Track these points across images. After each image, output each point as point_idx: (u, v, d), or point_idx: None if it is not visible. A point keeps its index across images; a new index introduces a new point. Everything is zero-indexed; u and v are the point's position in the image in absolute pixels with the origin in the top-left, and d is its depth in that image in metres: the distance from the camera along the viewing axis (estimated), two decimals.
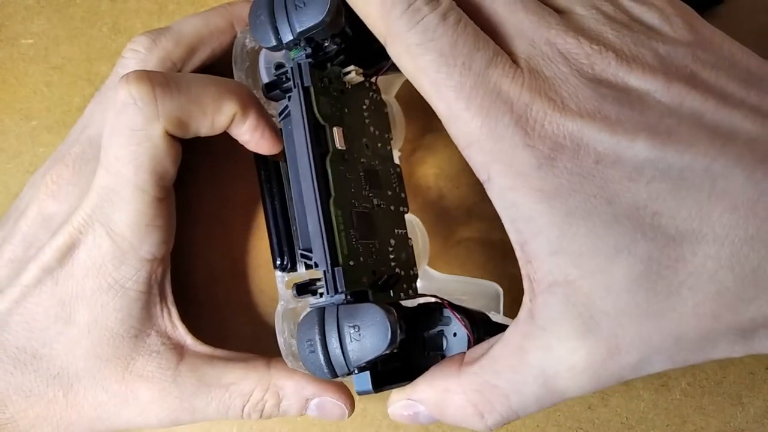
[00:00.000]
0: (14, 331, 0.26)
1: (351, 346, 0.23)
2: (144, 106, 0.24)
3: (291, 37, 0.24)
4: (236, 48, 0.29)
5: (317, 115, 0.25)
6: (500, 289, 0.31)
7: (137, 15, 0.34)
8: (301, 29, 0.24)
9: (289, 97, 0.25)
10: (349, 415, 0.29)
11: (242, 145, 0.27)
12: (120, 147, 0.25)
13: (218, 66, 0.29)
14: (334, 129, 0.25)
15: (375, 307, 0.22)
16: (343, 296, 0.23)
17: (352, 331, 0.23)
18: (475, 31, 0.21)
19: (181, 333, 0.28)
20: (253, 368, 0.28)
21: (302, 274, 0.28)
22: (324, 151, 0.25)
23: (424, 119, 0.33)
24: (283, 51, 0.28)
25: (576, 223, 0.20)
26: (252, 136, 0.27)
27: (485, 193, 0.34)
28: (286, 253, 0.28)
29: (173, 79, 0.25)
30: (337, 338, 0.23)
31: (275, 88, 0.26)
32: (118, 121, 0.25)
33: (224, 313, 0.32)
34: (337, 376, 0.23)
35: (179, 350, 0.28)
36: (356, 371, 0.24)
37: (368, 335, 0.22)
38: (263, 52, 0.28)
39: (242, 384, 0.28)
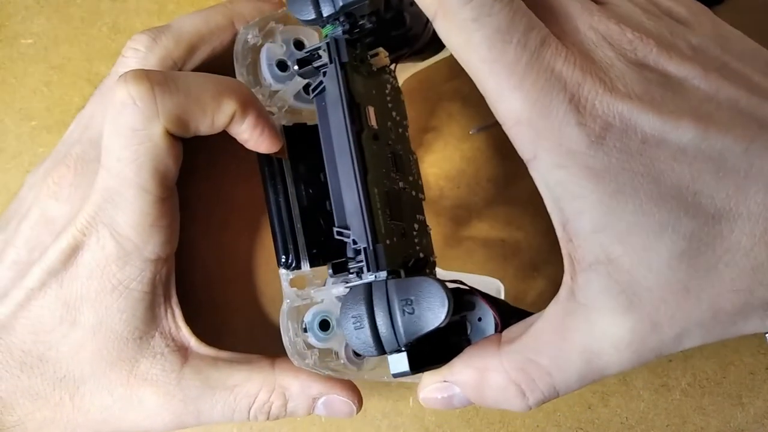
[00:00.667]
0: (20, 334, 0.26)
1: (403, 320, 0.22)
2: (143, 105, 0.24)
3: (333, 11, 0.24)
4: (238, 44, 0.29)
5: (351, 92, 0.25)
6: (501, 286, 0.31)
7: (137, 15, 0.34)
8: (345, 2, 0.24)
9: (324, 73, 0.25)
10: (358, 411, 0.29)
11: (241, 144, 0.27)
12: (121, 148, 0.25)
13: (219, 64, 0.29)
14: (369, 107, 0.25)
15: (429, 280, 0.22)
16: (386, 273, 0.23)
17: (404, 305, 0.22)
18: (528, 10, 0.22)
19: (185, 335, 0.28)
20: (258, 369, 0.28)
21: (306, 272, 0.28)
22: (359, 128, 0.25)
23: (426, 118, 0.33)
24: (285, 47, 0.28)
25: (623, 200, 0.21)
26: (251, 135, 0.26)
27: (485, 193, 0.34)
28: (291, 250, 0.28)
29: (172, 77, 0.25)
30: (387, 313, 0.23)
31: (307, 64, 0.26)
32: (117, 122, 0.25)
33: (224, 313, 0.32)
34: (385, 352, 0.23)
35: (183, 352, 0.28)
36: (405, 347, 0.23)
37: (424, 308, 0.22)
38: (265, 48, 0.28)
39: (247, 385, 0.27)
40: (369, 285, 0.23)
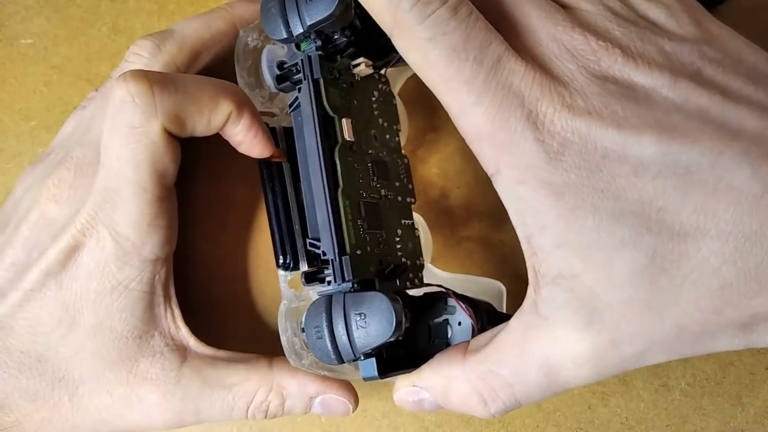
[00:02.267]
0: (18, 335, 0.26)
1: (357, 333, 0.23)
2: (142, 103, 0.24)
3: (301, 30, 0.25)
4: (239, 47, 0.29)
5: (326, 106, 0.25)
6: (503, 288, 0.31)
7: (137, 15, 0.34)
8: (311, 22, 0.24)
9: (299, 89, 0.26)
10: (354, 410, 0.29)
11: None
12: (120, 146, 0.25)
13: (221, 67, 0.29)
14: (343, 120, 0.26)
15: (380, 296, 0.23)
16: (350, 284, 0.24)
17: (358, 318, 0.23)
18: (486, 25, 0.22)
19: (184, 334, 0.28)
20: (256, 368, 0.28)
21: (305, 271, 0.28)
22: (333, 142, 0.25)
23: (426, 118, 0.33)
24: (286, 49, 0.28)
25: (583, 216, 0.21)
26: (246, 136, 0.27)
27: (485, 194, 0.34)
28: (288, 252, 0.28)
29: (170, 77, 0.25)
30: (344, 325, 0.23)
31: (286, 80, 0.27)
32: (116, 120, 0.25)
33: (223, 313, 0.32)
34: (344, 362, 0.24)
35: (182, 352, 0.28)
36: (362, 357, 0.24)
37: (374, 323, 0.23)
38: (266, 50, 0.28)
39: (245, 385, 0.28)
40: (330, 297, 0.24)
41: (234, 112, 0.26)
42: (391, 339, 0.23)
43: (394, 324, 0.23)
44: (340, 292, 0.24)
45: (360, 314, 0.23)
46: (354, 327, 0.23)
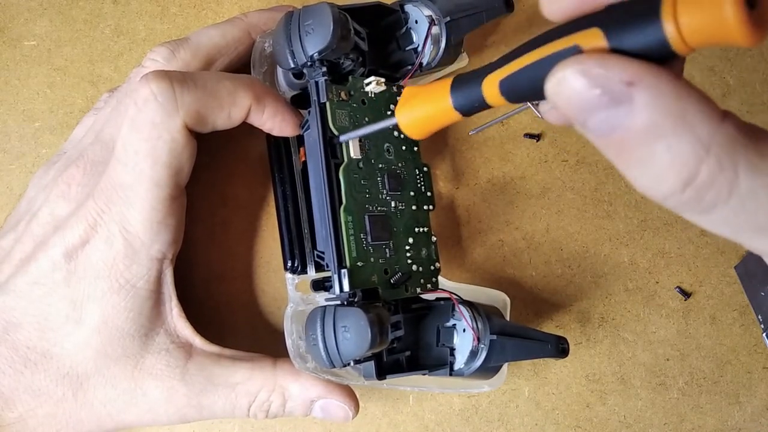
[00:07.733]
0: (26, 330, 0.27)
1: (342, 344, 0.25)
2: (164, 101, 0.25)
3: (304, 60, 0.26)
4: (255, 52, 0.30)
5: (332, 129, 0.27)
6: (507, 299, 0.31)
7: (139, 17, 0.35)
8: (312, 52, 0.26)
9: (309, 111, 0.27)
10: (354, 416, 0.29)
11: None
12: (140, 141, 0.25)
13: (237, 72, 0.29)
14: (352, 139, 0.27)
15: (360, 313, 0.24)
16: (346, 295, 0.26)
17: (343, 330, 0.25)
18: None
19: (189, 332, 0.29)
20: (260, 368, 0.28)
21: (312, 276, 0.29)
22: (339, 161, 0.27)
23: None
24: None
25: None
26: (274, 123, 0.28)
27: (483, 194, 0.34)
28: (297, 256, 0.29)
29: (190, 75, 0.26)
30: (333, 335, 0.25)
31: (303, 99, 0.28)
32: (138, 117, 0.25)
33: (224, 312, 0.32)
34: (335, 367, 0.25)
35: (187, 349, 0.28)
36: (352, 363, 0.26)
37: (353, 336, 0.24)
38: None
39: (248, 384, 0.28)
40: (324, 309, 0.26)
41: (254, 103, 0.27)
42: (368, 353, 0.24)
43: (370, 339, 0.24)
44: (331, 306, 0.25)
45: (344, 326, 0.25)
46: (341, 338, 0.25)
